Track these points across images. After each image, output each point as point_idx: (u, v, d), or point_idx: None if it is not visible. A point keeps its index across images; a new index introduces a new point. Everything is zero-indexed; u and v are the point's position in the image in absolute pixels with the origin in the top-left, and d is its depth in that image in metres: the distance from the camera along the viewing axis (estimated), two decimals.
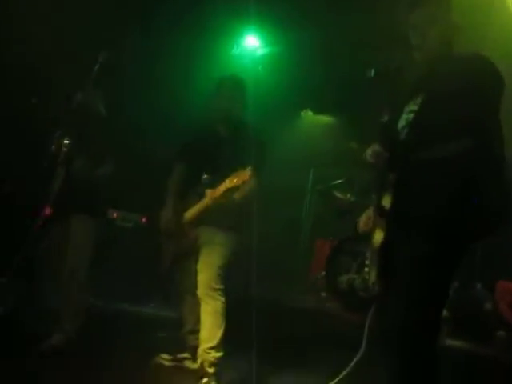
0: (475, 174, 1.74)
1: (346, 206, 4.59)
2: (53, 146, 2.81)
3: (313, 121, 6.20)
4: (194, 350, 3.01)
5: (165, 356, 3.06)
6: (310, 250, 5.37)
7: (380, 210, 1.82)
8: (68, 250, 3.13)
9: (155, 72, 4.89)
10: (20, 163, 3.94)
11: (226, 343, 2.86)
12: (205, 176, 2.92)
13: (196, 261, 2.93)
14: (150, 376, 2.88)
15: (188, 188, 3.05)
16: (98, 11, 4.06)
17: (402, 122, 1.92)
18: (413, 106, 1.89)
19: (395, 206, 1.80)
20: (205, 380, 2.73)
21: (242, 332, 3.04)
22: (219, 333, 2.79)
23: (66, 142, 2.76)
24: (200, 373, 2.77)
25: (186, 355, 3.08)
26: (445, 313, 3.55)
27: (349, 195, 4.58)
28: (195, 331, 3.02)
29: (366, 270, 1.82)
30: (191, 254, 2.98)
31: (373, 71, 1.82)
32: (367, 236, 1.89)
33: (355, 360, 2.01)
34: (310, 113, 6.23)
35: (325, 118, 6.16)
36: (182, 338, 3.12)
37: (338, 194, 4.60)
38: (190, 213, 2.95)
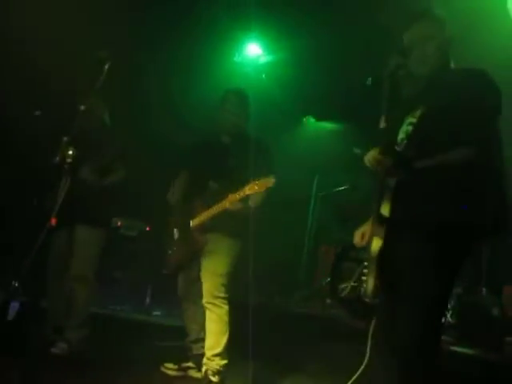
0: (474, 180, 1.76)
1: (349, 212, 4.59)
2: (57, 157, 2.83)
3: (316, 127, 6.21)
4: (198, 359, 3.00)
5: (169, 365, 3.05)
6: (315, 256, 5.36)
7: (379, 218, 1.82)
8: (72, 260, 3.14)
9: (158, 81, 4.92)
10: (25, 175, 3.96)
11: (229, 350, 2.86)
12: (211, 182, 2.94)
13: (198, 268, 2.94)
14: None
15: (192, 195, 3.06)
16: (99, 19, 4.09)
17: (401, 135, 1.96)
18: (412, 119, 1.93)
19: (395, 213, 1.81)
20: None
21: (246, 339, 3.03)
22: (223, 340, 2.82)
23: (71, 152, 2.77)
24: (204, 382, 2.79)
25: (190, 364, 3.07)
26: (451, 319, 3.53)
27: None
28: (199, 340, 3.02)
29: (364, 278, 1.82)
30: (195, 260, 2.99)
31: (370, 80, 1.85)
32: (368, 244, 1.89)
33: (360, 369, 2.00)
34: (312, 119, 6.24)
35: (328, 125, 6.17)
36: (187, 347, 3.12)
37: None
38: (201, 218, 2.93)
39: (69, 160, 2.76)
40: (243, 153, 2.88)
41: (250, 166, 2.82)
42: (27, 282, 2.89)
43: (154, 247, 5.07)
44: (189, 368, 3.06)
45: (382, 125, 1.78)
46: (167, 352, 3.38)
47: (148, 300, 4.97)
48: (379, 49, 1.86)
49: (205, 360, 2.82)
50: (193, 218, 2.98)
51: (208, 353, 2.81)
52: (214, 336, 2.82)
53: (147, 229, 5.13)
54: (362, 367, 1.98)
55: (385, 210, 1.82)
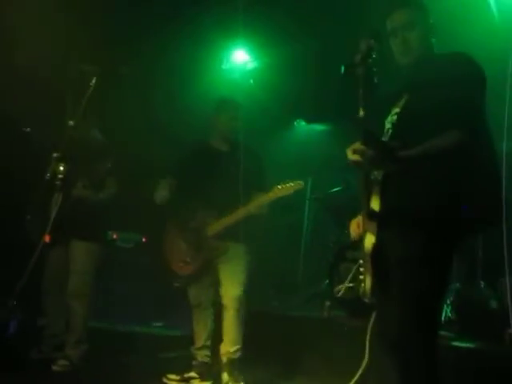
0: (464, 167, 1.74)
1: (344, 213, 4.59)
2: (48, 174, 2.82)
3: (307, 130, 6.23)
4: (202, 368, 3.01)
5: (172, 376, 3.04)
6: (312, 258, 5.36)
7: (370, 213, 1.79)
8: (68, 276, 3.12)
9: (144, 90, 4.92)
10: (16, 192, 3.94)
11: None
12: (218, 190, 2.97)
13: (211, 276, 3.00)
14: None
15: (194, 204, 3.06)
16: (85, 30, 4.10)
17: (387, 125, 1.93)
18: (397, 109, 1.90)
19: (384, 206, 1.78)
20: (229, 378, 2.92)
21: (246, 342, 3.04)
22: (241, 336, 3.01)
23: (61, 168, 2.76)
24: (225, 372, 2.95)
25: (192, 374, 3.07)
26: (451, 314, 3.54)
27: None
28: (206, 347, 3.05)
29: (361, 277, 1.79)
30: (210, 269, 3.04)
31: (342, 68, 1.79)
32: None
33: (360, 370, 2.00)
34: (303, 123, 6.25)
35: (318, 127, 6.19)
36: (192, 354, 3.12)
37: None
38: (219, 225, 2.98)
39: (60, 176, 2.75)
40: (239, 159, 2.97)
41: (252, 171, 3.00)
42: (24, 300, 2.88)
43: (151, 258, 5.06)
44: (191, 378, 3.06)
45: (361, 113, 1.69)
46: (169, 363, 3.38)
47: (148, 312, 4.94)
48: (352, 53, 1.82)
49: (225, 353, 2.98)
50: (207, 226, 3.01)
51: (230, 348, 2.97)
52: (238, 333, 2.98)
53: (143, 240, 5.11)
54: (363, 367, 1.98)
55: (375, 205, 1.80)
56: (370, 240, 1.79)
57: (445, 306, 3.51)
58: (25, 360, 3.09)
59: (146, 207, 5.17)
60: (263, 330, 3.65)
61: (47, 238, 2.73)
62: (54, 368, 3.00)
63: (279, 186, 2.87)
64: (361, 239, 1.84)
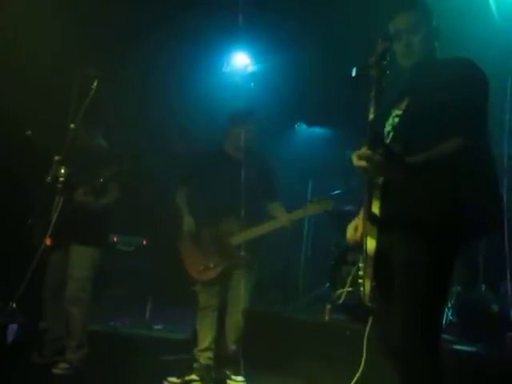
0: (467, 173, 1.73)
1: (345, 216, 4.58)
2: (49, 177, 2.82)
3: (307, 133, 6.23)
4: (203, 371, 3.03)
5: (172, 379, 3.04)
6: (313, 261, 5.35)
7: (371, 216, 1.77)
8: (68, 280, 3.12)
9: (146, 94, 4.92)
10: (18, 194, 3.95)
11: None
12: (242, 200, 3.01)
13: (224, 281, 3.12)
14: None
15: (216, 211, 3.14)
16: (86, 32, 4.11)
17: (388, 127, 1.92)
18: (398, 111, 1.90)
19: (386, 211, 1.77)
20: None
21: (248, 346, 3.04)
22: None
23: (63, 171, 2.76)
24: (230, 363, 3.14)
25: (193, 377, 3.07)
26: (452, 318, 3.53)
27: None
28: (210, 349, 3.10)
29: (360, 281, 1.79)
30: (227, 274, 3.14)
31: (354, 70, 1.77)
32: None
33: (358, 374, 1.99)
34: (304, 126, 6.26)
35: (319, 130, 6.19)
36: (194, 356, 3.14)
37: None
38: (247, 235, 3.09)
39: (61, 179, 2.75)
40: (257, 167, 3.18)
41: (263, 179, 3.21)
42: (26, 304, 2.87)
43: (152, 261, 5.06)
44: (192, 381, 3.06)
45: (371, 116, 1.66)
46: (170, 366, 3.37)
47: (148, 314, 4.94)
48: (367, 55, 1.81)
49: (230, 348, 3.16)
50: (232, 235, 3.11)
51: (235, 346, 3.15)
52: (241, 331, 3.16)
53: (144, 243, 5.12)
54: (360, 369, 1.97)
55: (376, 209, 1.78)
56: (372, 244, 1.78)
57: (446, 309, 3.51)
58: (25, 364, 3.09)
59: (146, 210, 5.19)
60: (264, 332, 3.64)
61: (48, 241, 2.73)
62: (55, 371, 3.00)
63: (312, 204, 3.11)
64: (361, 243, 1.84)
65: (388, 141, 1.88)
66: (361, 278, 1.81)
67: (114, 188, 3.22)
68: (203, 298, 3.20)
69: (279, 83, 5.35)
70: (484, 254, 3.76)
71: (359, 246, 1.86)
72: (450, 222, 1.73)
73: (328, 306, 4.05)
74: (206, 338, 3.15)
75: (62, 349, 3.14)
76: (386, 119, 1.93)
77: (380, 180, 1.79)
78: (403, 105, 1.88)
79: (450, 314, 3.52)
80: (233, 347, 3.15)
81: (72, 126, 2.73)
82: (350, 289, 1.89)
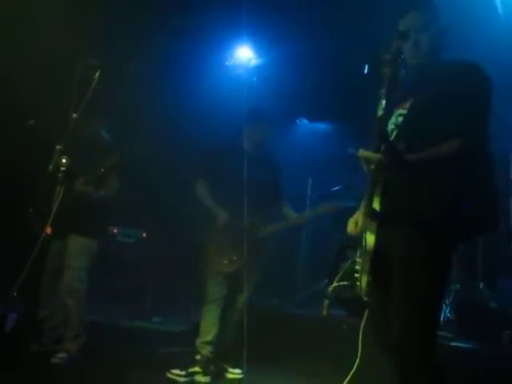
0: (465, 173, 1.74)
1: (345, 213, 4.59)
2: (51, 166, 2.82)
3: (309, 129, 6.22)
4: (205, 363, 3.07)
5: (175, 371, 3.05)
6: (312, 257, 5.36)
7: (371, 212, 1.78)
8: (64, 270, 3.13)
9: (149, 88, 4.92)
10: (20, 183, 3.95)
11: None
12: (261, 197, 3.12)
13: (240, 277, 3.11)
14: None
15: (237, 205, 3.09)
16: (87, 27, 4.10)
17: (391, 126, 1.93)
18: (402, 110, 1.91)
19: (386, 207, 1.78)
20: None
21: (246, 339, 3.04)
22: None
23: (64, 160, 2.76)
24: (228, 357, 3.21)
25: (196, 369, 3.08)
26: (450, 315, 3.54)
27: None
28: (212, 343, 3.11)
29: (357, 275, 1.79)
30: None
31: (367, 67, 1.77)
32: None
33: (354, 367, 2.00)
34: (305, 121, 6.25)
35: (320, 126, 6.19)
36: (197, 348, 3.15)
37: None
38: (268, 230, 3.27)
39: (62, 169, 2.75)
40: (271, 165, 3.38)
41: (275, 177, 3.40)
42: (26, 293, 2.88)
43: (152, 253, 5.07)
44: (195, 373, 3.07)
45: (380, 113, 1.67)
46: (169, 358, 3.38)
47: (147, 306, 4.96)
48: (371, 50, 1.81)
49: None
50: (256, 229, 3.19)
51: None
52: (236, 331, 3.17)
53: (144, 235, 5.13)
54: (356, 365, 1.98)
55: (376, 204, 1.79)
56: (371, 239, 1.79)
57: (444, 306, 3.52)
58: (24, 352, 3.10)
59: (146, 203, 5.19)
60: (262, 327, 3.65)
61: (49, 230, 2.74)
62: (53, 361, 3.01)
63: (325, 205, 3.41)
64: (360, 237, 1.84)
65: (391, 139, 1.89)
66: (357, 272, 1.81)
67: (114, 179, 3.22)
68: (213, 291, 3.19)
69: (281, 78, 5.34)
70: (482, 251, 3.77)
71: (358, 241, 1.87)
72: (448, 219, 1.74)
73: (326, 301, 4.06)
74: (209, 331, 3.14)
75: (61, 338, 3.16)
76: (389, 117, 1.94)
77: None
78: (407, 104, 1.89)
79: (447, 311, 3.54)
80: (231, 341, 3.18)
81: (74, 115, 2.73)
82: (346, 283, 1.89)
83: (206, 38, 4.91)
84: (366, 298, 1.79)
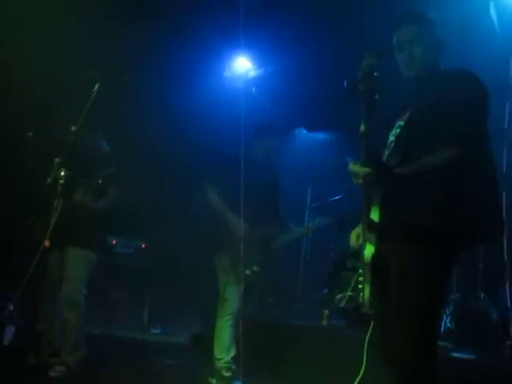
0: (463, 185, 1.74)
1: (345, 222, 4.59)
2: (49, 178, 2.82)
3: (307, 139, 6.24)
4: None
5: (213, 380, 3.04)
6: (312, 267, 5.35)
7: (369, 223, 1.79)
8: (63, 282, 3.12)
9: (148, 100, 4.93)
10: (18, 195, 3.95)
11: None
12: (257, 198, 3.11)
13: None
14: None
15: (255, 214, 3.15)
16: (87, 39, 4.12)
17: (391, 138, 1.95)
18: (401, 122, 1.92)
19: (385, 218, 1.78)
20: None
21: (246, 351, 3.02)
22: None
23: (63, 173, 2.76)
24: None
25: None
26: (451, 325, 3.52)
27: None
28: (234, 358, 3.07)
29: (360, 286, 1.79)
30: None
31: (345, 83, 1.80)
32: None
33: (358, 378, 1.98)
34: (304, 131, 6.27)
35: (319, 136, 6.20)
36: (219, 367, 3.07)
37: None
38: (282, 241, 3.36)
39: (61, 181, 2.75)
40: (275, 174, 3.47)
41: (278, 186, 3.46)
42: (24, 305, 2.87)
43: (151, 264, 5.06)
44: None
45: (362, 128, 1.71)
46: (168, 370, 3.35)
47: (146, 318, 4.93)
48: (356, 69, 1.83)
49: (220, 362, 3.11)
50: (272, 238, 3.26)
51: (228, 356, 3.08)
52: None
53: (142, 245, 5.11)
54: (360, 376, 1.97)
55: (375, 216, 1.80)
56: (369, 250, 1.79)
57: (444, 316, 3.50)
58: (22, 366, 3.07)
59: (145, 213, 5.18)
60: (262, 338, 3.63)
61: (47, 243, 2.73)
62: (51, 374, 2.99)
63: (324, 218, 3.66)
64: (360, 249, 1.84)
65: (390, 150, 1.91)
66: (361, 283, 1.81)
67: (112, 191, 3.22)
68: (234, 303, 3.10)
69: (279, 88, 5.37)
70: (483, 261, 3.76)
71: (359, 252, 1.87)
72: (447, 231, 1.74)
73: (326, 312, 4.05)
74: (231, 347, 3.06)
75: (59, 351, 3.13)
76: (390, 130, 1.96)
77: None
78: (406, 116, 1.91)
79: (448, 321, 3.52)
80: (228, 357, 3.10)
81: (73, 128, 2.73)
82: (351, 293, 1.89)
83: (204, 50, 4.94)
84: (368, 310, 1.79)
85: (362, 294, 1.80)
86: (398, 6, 3.09)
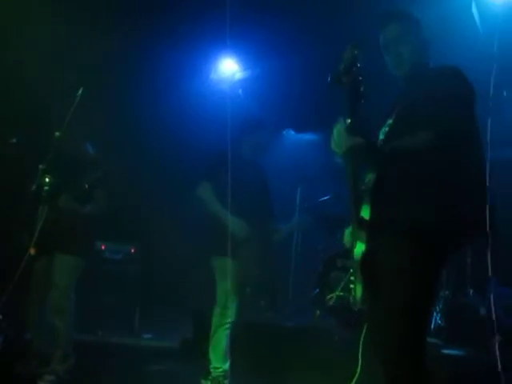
0: (451, 180, 1.75)
1: (335, 222, 4.60)
2: (34, 185, 2.79)
3: (295, 140, 6.25)
4: None
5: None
6: (302, 268, 5.35)
7: (359, 221, 1.79)
8: (51, 290, 3.08)
9: (133, 100, 4.91)
10: (2, 204, 3.90)
11: None
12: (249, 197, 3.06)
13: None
14: None
15: (252, 214, 3.09)
16: (72, 42, 4.09)
17: (381, 136, 1.96)
18: (390, 120, 1.93)
19: (374, 216, 1.78)
20: None
21: (237, 353, 3.01)
22: None
23: (47, 179, 2.73)
24: None
25: None
26: (441, 322, 3.55)
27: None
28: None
29: (352, 286, 1.79)
30: None
31: (329, 78, 1.80)
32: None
33: (355, 379, 1.98)
34: (292, 132, 6.28)
35: (307, 136, 6.22)
36: (214, 376, 3.01)
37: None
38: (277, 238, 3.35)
39: (46, 188, 2.72)
40: (264, 172, 3.43)
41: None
42: (11, 314, 2.83)
43: (140, 269, 5.02)
44: None
45: (348, 121, 1.73)
46: (159, 376, 3.33)
47: (137, 323, 4.89)
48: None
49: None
50: (269, 238, 3.24)
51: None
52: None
53: (132, 250, 5.07)
54: (356, 376, 1.96)
55: (365, 214, 1.80)
56: (359, 248, 1.80)
57: (434, 313, 3.52)
58: (11, 375, 3.03)
59: (134, 218, 5.15)
60: (254, 340, 3.62)
61: (32, 251, 2.70)
62: (40, 383, 2.94)
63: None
64: (351, 248, 1.84)
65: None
66: (352, 282, 1.81)
67: (99, 195, 3.18)
68: (232, 310, 3.01)
69: (266, 90, 5.37)
70: (472, 258, 3.79)
71: (350, 252, 1.87)
72: (436, 227, 1.74)
73: (317, 312, 4.06)
74: (226, 354, 2.99)
75: (48, 359, 3.09)
76: (381, 128, 1.97)
77: (370, 185, 1.80)
78: (394, 114, 1.92)
79: (438, 318, 3.54)
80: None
81: (57, 133, 2.71)
82: (341, 293, 1.89)
83: (190, 52, 4.93)
84: (357, 308, 1.79)
85: (353, 293, 1.80)
86: (385, 8, 3.11)
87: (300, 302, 4.74)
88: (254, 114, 3.57)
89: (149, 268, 5.05)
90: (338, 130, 1.78)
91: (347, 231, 2.00)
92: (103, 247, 4.86)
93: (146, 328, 4.80)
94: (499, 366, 2.38)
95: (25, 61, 3.88)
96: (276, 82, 5.23)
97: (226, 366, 3.01)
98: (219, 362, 2.99)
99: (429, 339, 1.98)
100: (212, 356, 3.00)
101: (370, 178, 1.84)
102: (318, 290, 4.28)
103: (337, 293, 1.88)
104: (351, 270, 1.83)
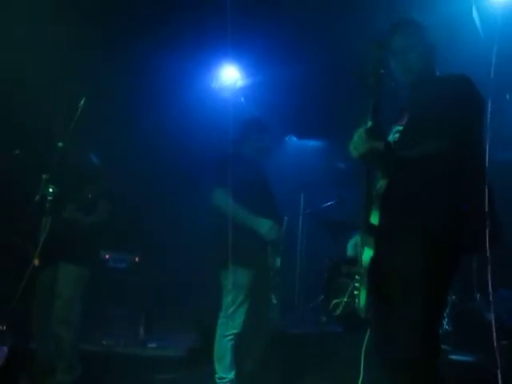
0: (465, 184, 1.75)
1: (339, 227, 4.60)
2: (37, 196, 2.79)
3: (298, 146, 6.26)
4: None
5: None
6: (307, 274, 5.33)
7: (368, 227, 1.79)
8: (55, 300, 3.08)
9: (135, 109, 4.92)
10: (6, 214, 3.90)
11: None
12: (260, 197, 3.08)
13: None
14: None
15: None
16: (74, 52, 4.11)
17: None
18: (399, 127, 1.94)
19: (384, 221, 1.78)
20: None
21: (242, 360, 2.99)
22: None
23: (51, 190, 2.74)
24: None
25: None
26: (448, 327, 3.52)
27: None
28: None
29: (356, 292, 1.78)
30: None
31: (354, 77, 1.80)
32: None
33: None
34: (294, 138, 6.29)
35: (309, 142, 6.23)
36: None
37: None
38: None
39: (49, 198, 2.73)
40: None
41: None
42: (15, 325, 2.82)
43: (145, 278, 5.01)
44: None
45: (369, 123, 1.71)
46: None
47: (141, 332, 4.87)
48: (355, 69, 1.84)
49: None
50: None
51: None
52: None
53: (136, 260, 5.06)
54: (360, 381, 1.95)
55: (374, 219, 1.80)
56: (368, 254, 1.79)
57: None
58: None
59: (138, 227, 5.15)
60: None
61: (36, 262, 2.69)
62: None
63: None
64: (357, 255, 1.83)
65: None
66: (357, 289, 1.80)
67: (103, 205, 3.19)
68: (242, 323, 3.00)
69: (268, 97, 5.39)
70: (478, 262, 3.77)
71: (355, 258, 1.85)
72: (449, 233, 1.74)
73: (323, 319, 4.03)
74: (233, 365, 2.98)
75: (53, 370, 3.08)
76: (388, 135, 1.97)
77: (381, 190, 1.80)
78: (403, 121, 1.93)
79: (445, 323, 3.52)
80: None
81: (60, 144, 2.71)
82: (348, 299, 1.88)
83: (192, 60, 4.95)
84: (363, 315, 1.78)
85: (357, 300, 1.79)
86: (385, 16, 3.12)
87: (305, 309, 4.72)
88: (255, 117, 3.52)
89: (153, 277, 5.04)
90: (359, 132, 1.75)
91: (350, 243, 2.00)
92: (107, 256, 4.86)
93: (151, 337, 4.78)
94: (499, 373, 2.36)
95: (26, 71, 3.90)
96: (278, 88, 5.24)
97: (232, 375, 2.98)
98: (224, 372, 2.97)
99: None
100: (217, 366, 2.98)
101: (381, 184, 1.84)
102: (323, 296, 4.26)
103: (344, 299, 1.86)
104: (357, 277, 1.82)
